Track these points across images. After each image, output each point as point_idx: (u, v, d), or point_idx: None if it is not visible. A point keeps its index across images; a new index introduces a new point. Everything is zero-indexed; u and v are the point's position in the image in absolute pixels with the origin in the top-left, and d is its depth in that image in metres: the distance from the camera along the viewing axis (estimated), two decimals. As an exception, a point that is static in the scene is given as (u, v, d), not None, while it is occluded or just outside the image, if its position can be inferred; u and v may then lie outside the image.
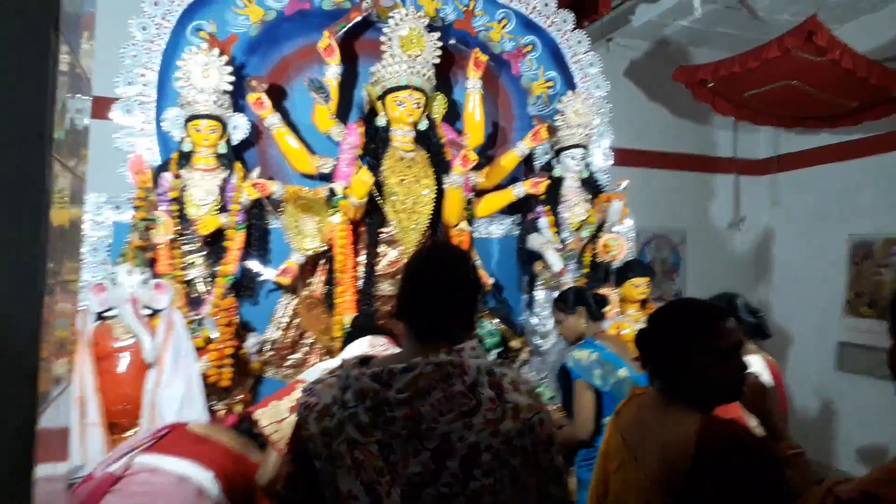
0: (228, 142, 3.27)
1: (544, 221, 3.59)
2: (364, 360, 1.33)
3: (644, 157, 5.03)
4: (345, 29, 3.41)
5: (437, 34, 3.41)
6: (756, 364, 2.67)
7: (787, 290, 5.23)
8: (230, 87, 3.23)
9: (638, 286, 3.62)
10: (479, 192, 3.61)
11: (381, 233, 3.33)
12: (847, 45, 3.54)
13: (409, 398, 1.21)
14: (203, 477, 2.08)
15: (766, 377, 2.67)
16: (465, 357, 1.27)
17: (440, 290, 1.33)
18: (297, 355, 3.42)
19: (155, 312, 2.91)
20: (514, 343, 3.42)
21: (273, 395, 2.22)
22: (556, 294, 3.24)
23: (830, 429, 4.73)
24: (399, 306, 1.38)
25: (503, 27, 3.72)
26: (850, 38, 3.72)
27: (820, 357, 4.76)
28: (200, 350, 3.00)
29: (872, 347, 4.58)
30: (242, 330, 3.27)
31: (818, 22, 3.45)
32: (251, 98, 3.20)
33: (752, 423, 2.54)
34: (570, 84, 3.81)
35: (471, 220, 3.45)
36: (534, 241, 3.58)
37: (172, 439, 2.19)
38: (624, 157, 4.07)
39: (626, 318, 3.59)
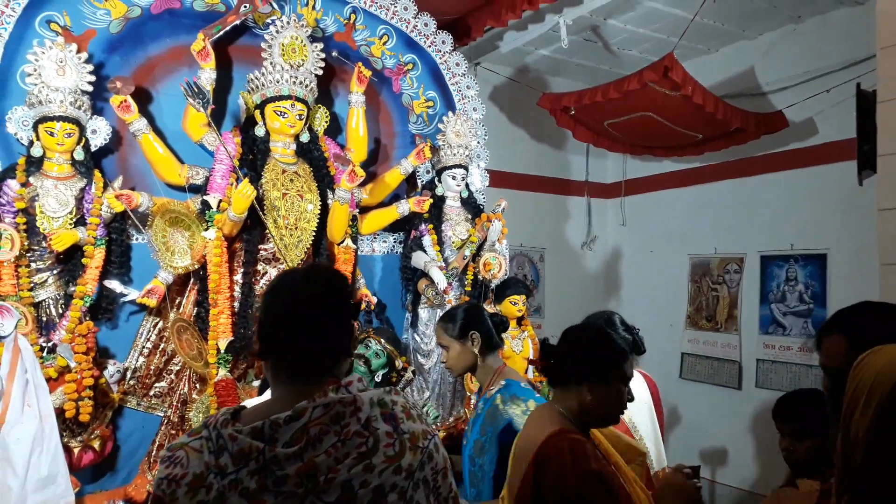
0: (86, 147, 2.94)
1: (428, 240, 3.58)
2: (234, 414, 1.16)
3: (507, 178, 5.19)
4: (220, 32, 3.20)
5: (320, 45, 3.31)
6: (636, 380, 2.82)
7: (634, 305, 5.61)
8: (89, 88, 2.91)
9: (516, 303, 3.71)
10: (363, 209, 3.54)
11: (261, 250, 3.15)
12: (698, 82, 3.89)
13: (300, 450, 1.07)
14: None
15: (644, 393, 2.82)
16: (355, 391, 1.16)
17: (314, 318, 1.19)
18: (163, 384, 3.13)
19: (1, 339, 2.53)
20: (399, 363, 3.36)
21: None
22: (441, 312, 3.23)
23: (675, 432, 5.13)
24: (264, 344, 1.21)
25: (384, 43, 3.68)
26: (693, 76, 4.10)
27: (666, 366, 5.15)
28: (54, 381, 2.64)
29: (709, 357, 5.04)
30: (101, 357, 2.93)
31: (674, 59, 3.75)
32: (115, 101, 2.91)
33: (638, 435, 2.69)
34: (449, 104, 3.85)
35: (356, 237, 3.36)
36: (418, 259, 3.56)
37: None
38: (491, 178, 4.17)
39: (505, 335, 3.66)
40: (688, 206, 5.31)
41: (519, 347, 3.75)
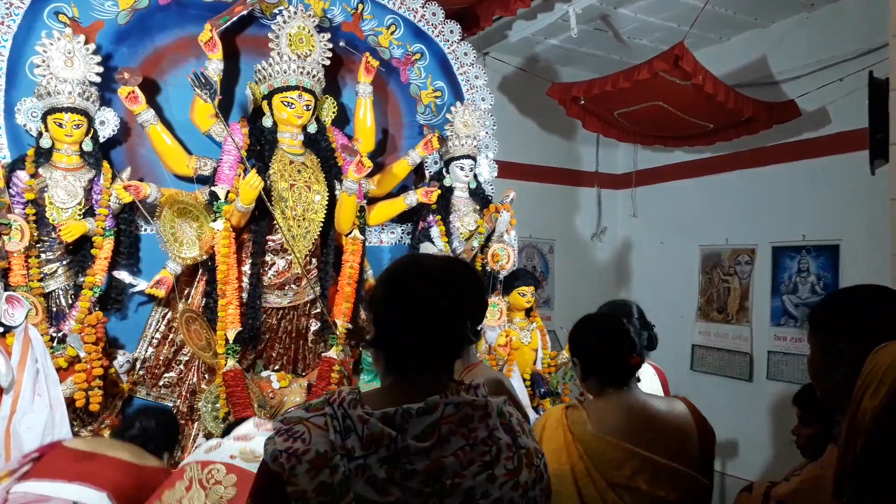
0: (95, 138, 2.94)
1: (436, 231, 3.57)
2: (359, 397, 1.09)
3: (516, 169, 5.16)
4: (228, 23, 3.19)
5: (327, 35, 3.30)
6: (647, 372, 2.81)
7: (645, 297, 5.56)
8: (98, 79, 2.92)
9: (524, 295, 3.70)
10: (371, 200, 3.53)
11: (269, 240, 3.15)
12: (709, 71, 3.84)
13: (430, 447, 1.02)
14: (96, 499, 1.86)
15: (655, 385, 2.81)
16: (483, 395, 1.11)
17: (452, 318, 1.12)
18: (172, 374, 3.15)
19: (8, 330, 2.55)
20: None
21: (164, 484, 1.97)
22: None
23: (685, 425, 5.10)
24: (383, 334, 1.14)
25: (392, 33, 3.67)
26: (704, 65, 4.06)
27: (676, 358, 5.12)
28: (64, 371, 2.66)
29: (720, 349, 5.01)
30: (110, 347, 2.95)
31: (685, 48, 3.71)
32: (123, 92, 2.91)
33: None
34: (457, 95, 3.83)
35: (363, 228, 3.35)
36: (426, 251, 3.55)
37: (52, 461, 1.94)
38: (499, 169, 4.14)
39: (513, 325, 3.66)
40: (699, 197, 5.27)
41: (528, 339, 3.75)
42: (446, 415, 1.05)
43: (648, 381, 2.73)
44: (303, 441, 1.02)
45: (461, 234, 3.63)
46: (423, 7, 3.69)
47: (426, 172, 3.84)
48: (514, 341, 3.63)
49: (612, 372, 1.84)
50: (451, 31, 3.80)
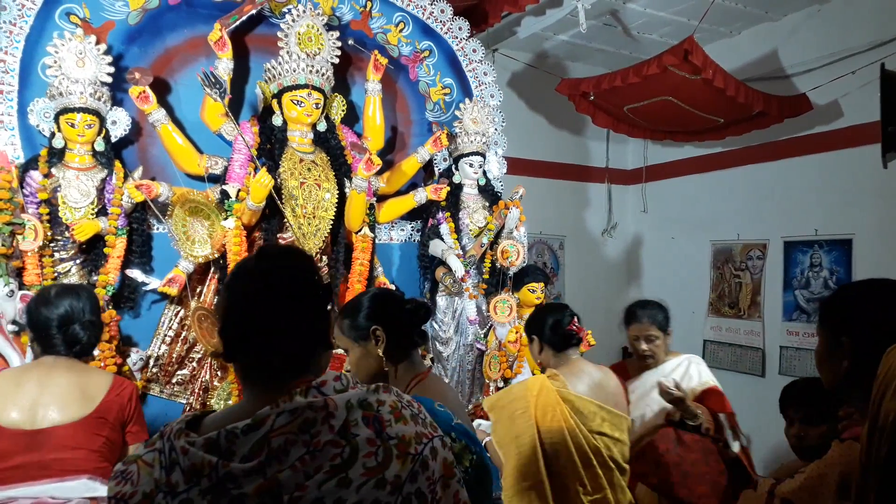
0: (107, 138, 2.97)
1: (445, 228, 3.58)
2: (194, 422, 1.02)
3: (526, 165, 5.16)
4: (237, 22, 3.21)
5: (336, 33, 3.31)
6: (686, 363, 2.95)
7: (655, 292, 5.53)
8: (109, 79, 2.94)
9: (534, 291, 3.70)
10: (380, 198, 3.54)
11: (280, 238, 3.17)
12: (719, 65, 3.82)
13: (261, 465, 0.92)
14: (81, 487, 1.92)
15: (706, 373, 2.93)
16: (330, 392, 1.01)
17: (282, 310, 1.04)
18: (185, 372, 3.17)
19: (22, 328, 2.57)
20: (417, 351, 3.36)
21: None
22: (459, 300, 3.24)
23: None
24: (227, 344, 1.06)
25: (400, 31, 3.67)
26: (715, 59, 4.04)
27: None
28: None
29: (732, 344, 4.99)
30: (124, 345, 2.98)
31: (695, 42, 3.70)
32: (134, 91, 2.93)
33: None
34: (466, 92, 3.83)
35: (373, 225, 3.36)
36: (435, 248, 3.56)
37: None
38: (509, 166, 4.14)
39: (523, 322, 3.65)
40: (710, 192, 5.24)
41: (539, 335, 3.74)
42: (277, 426, 0.94)
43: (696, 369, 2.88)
44: (131, 483, 0.96)
45: (471, 230, 3.63)
46: (431, 4, 3.70)
47: (435, 169, 3.85)
48: (524, 337, 3.62)
49: (561, 337, 2.39)
50: (460, 28, 3.80)
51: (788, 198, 4.65)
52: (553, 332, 2.40)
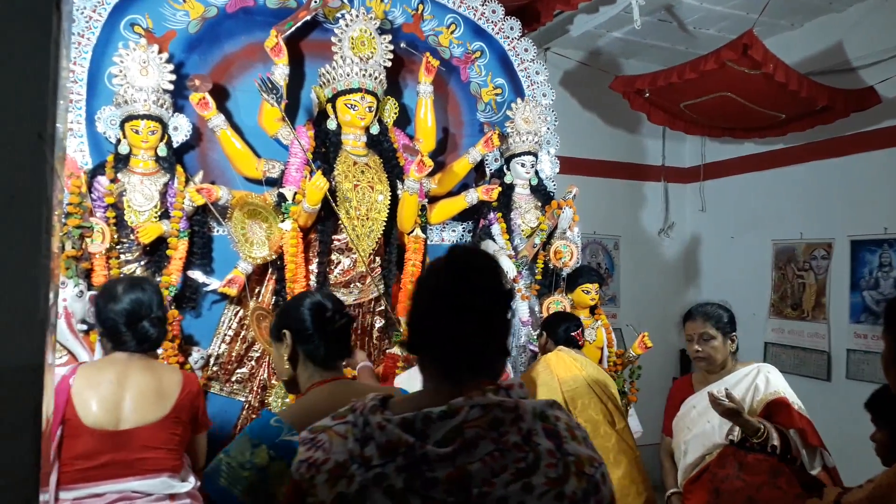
0: (169, 144, 3.07)
1: (497, 228, 3.57)
2: (383, 401, 1.05)
3: (579, 164, 5.11)
4: (292, 28, 3.28)
5: (388, 37, 3.35)
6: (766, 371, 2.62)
7: (714, 293, 5.42)
8: (171, 87, 3.04)
9: (588, 292, 3.66)
10: (432, 199, 3.56)
11: (335, 240, 3.22)
12: (780, 59, 3.71)
13: (454, 453, 0.94)
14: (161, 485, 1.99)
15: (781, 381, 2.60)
16: (516, 397, 1.02)
17: (473, 311, 1.05)
18: (244, 370, 3.25)
19: (92, 327, 2.69)
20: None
21: None
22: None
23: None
24: (416, 337, 1.10)
25: (452, 32, 3.69)
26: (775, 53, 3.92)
27: (748, 356, 4.94)
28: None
29: (795, 347, 4.82)
30: (186, 344, 3.07)
31: (754, 36, 3.60)
32: (194, 98, 3.02)
33: None
34: (518, 91, 3.82)
35: (425, 226, 3.38)
36: (487, 248, 3.55)
37: (88, 455, 1.99)
38: (562, 165, 4.12)
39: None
40: (771, 190, 5.09)
41: (593, 337, 3.70)
42: (471, 418, 0.96)
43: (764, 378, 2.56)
44: (323, 450, 1.00)
45: (522, 231, 3.62)
46: (482, 5, 3.70)
47: (487, 170, 3.85)
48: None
49: (565, 339, 3.08)
50: (512, 28, 3.79)
51: (855, 195, 4.47)
52: (564, 333, 3.09)
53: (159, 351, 2.82)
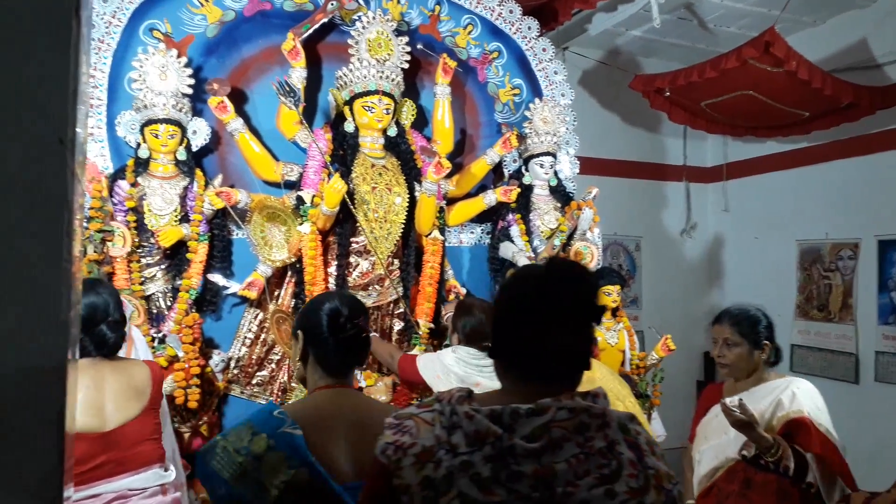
0: (188, 148, 3.09)
1: (516, 230, 3.55)
2: (470, 393, 1.06)
3: (599, 165, 5.06)
4: (309, 31, 3.28)
5: (405, 38, 3.34)
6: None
7: (738, 294, 5.34)
8: (189, 91, 3.06)
9: (609, 294, 3.61)
10: (450, 201, 3.54)
11: (353, 242, 3.22)
12: (803, 56, 3.64)
13: (540, 450, 0.96)
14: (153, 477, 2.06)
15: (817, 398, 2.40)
16: (603, 405, 1.03)
17: (570, 323, 1.07)
18: (264, 373, 3.26)
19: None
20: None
21: None
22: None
23: (784, 429, 4.86)
24: (503, 343, 1.10)
25: (469, 33, 3.67)
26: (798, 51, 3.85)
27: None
28: (164, 370, 2.79)
29: (822, 349, 4.74)
30: (206, 347, 3.08)
31: (776, 33, 3.54)
32: (213, 102, 3.04)
33: None
34: (536, 91, 3.79)
35: (443, 228, 3.37)
36: (506, 250, 3.53)
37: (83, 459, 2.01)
38: (581, 166, 4.08)
39: (599, 326, 3.58)
40: (795, 189, 5.00)
41: (614, 340, 3.66)
42: (558, 418, 0.99)
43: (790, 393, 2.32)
44: (410, 435, 1.01)
45: (542, 232, 3.58)
46: (499, 5, 3.68)
47: (505, 171, 3.82)
48: (601, 342, 3.55)
49: None
50: (529, 28, 3.77)
51: (882, 194, 4.38)
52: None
53: (181, 355, 2.84)
